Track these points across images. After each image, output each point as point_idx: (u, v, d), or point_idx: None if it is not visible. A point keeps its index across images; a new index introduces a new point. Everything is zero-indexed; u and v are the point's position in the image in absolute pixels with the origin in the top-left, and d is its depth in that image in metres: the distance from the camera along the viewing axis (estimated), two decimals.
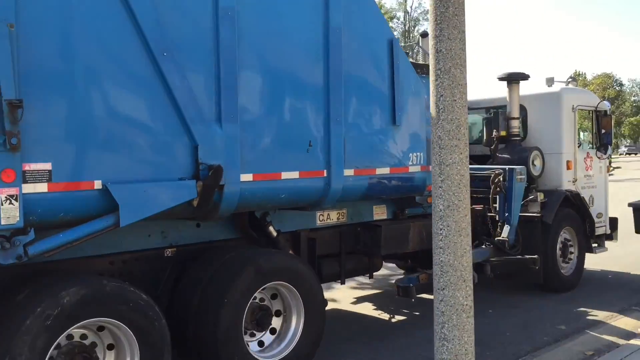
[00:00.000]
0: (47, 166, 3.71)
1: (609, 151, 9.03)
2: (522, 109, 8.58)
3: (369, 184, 5.74)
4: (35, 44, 3.67)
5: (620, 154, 63.05)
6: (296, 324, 5.12)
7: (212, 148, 4.47)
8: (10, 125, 3.47)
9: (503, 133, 8.32)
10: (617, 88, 70.67)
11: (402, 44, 6.01)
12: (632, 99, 78.72)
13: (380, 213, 6.65)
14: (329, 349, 5.82)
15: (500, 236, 7.29)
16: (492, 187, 7.29)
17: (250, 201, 4.84)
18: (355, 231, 6.38)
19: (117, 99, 4.04)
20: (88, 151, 3.92)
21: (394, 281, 6.79)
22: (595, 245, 8.82)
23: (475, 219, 7.53)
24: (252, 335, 5.00)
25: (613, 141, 10.36)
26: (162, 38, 4.21)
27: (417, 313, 7.37)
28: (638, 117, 73.21)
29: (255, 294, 4.85)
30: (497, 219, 7.41)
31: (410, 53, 7.52)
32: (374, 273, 6.94)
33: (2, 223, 3.49)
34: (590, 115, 9.01)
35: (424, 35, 8.03)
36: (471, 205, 7.51)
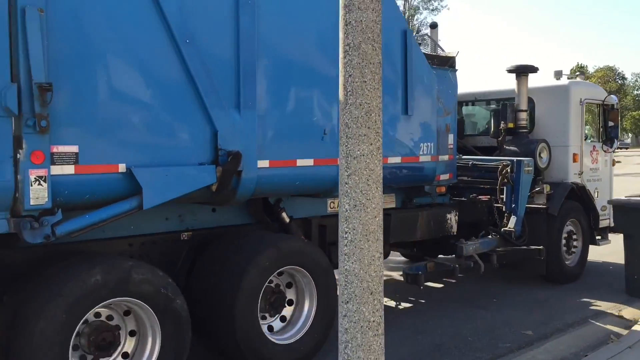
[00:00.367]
0: (74, 149, 3.81)
1: (615, 145, 9.12)
2: (530, 101, 8.66)
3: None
4: (63, 29, 3.75)
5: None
6: (309, 309, 5.24)
7: (231, 134, 4.57)
8: (40, 108, 3.57)
9: (511, 125, 8.40)
10: (619, 82, 70.55)
11: None
12: (635, 92, 78.67)
13: (389, 202, 6.75)
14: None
15: (507, 227, 7.39)
16: (500, 178, 7.39)
17: (266, 187, 4.94)
18: None
19: (141, 84, 4.13)
20: (113, 135, 4.02)
21: (401, 270, 6.88)
22: (599, 237, 8.93)
23: (482, 210, 7.66)
24: (264, 318, 5.11)
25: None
26: (185, 25, 4.30)
27: (423, 301, 7.49)
28: None
29: (270, 278, 4.96)
30: (503, 209, 7.51)
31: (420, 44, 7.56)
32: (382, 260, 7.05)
33: (31, 203, 3.60)
34: (597, 108, 9.10)
35: (433, 26, 8.08)
36: (478, 196, 7.74)
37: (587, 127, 9.43)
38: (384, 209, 6.59)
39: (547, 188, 8.03)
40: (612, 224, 9.05)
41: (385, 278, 8.57)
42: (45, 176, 3.64)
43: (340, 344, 3.22)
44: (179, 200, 4.46)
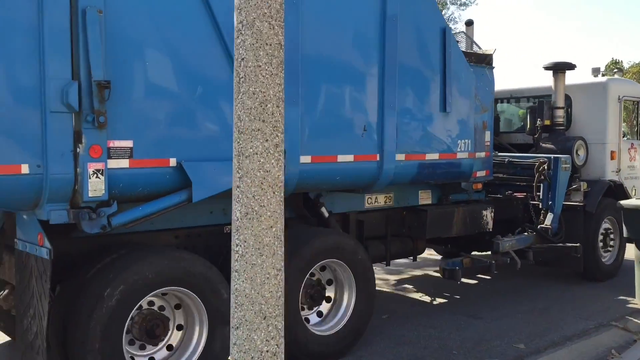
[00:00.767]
0: (129, 143, 3.99)
1: None
2: (567, 99, 8.61)
3: (419, 169, 5.92)
4: (120, 28, 3.92)
5: None
6: (348, 301, 5.35)
7: None
8: (98, 105, 3.75)
9: (547, 122, 8.37)
10: None
11: None
12: None
13: (425, 198, 6.83)
14: (378, 328, 6.03)
15: (543, 224, 7.39)
16: (537, 175, 7.39)
17: (307, 182, 5.07)
18: (401, 215, 6.58)
19: (191, 82, 4.29)
20: (165, 131, 4.19)
21: (438, 265, 6.94)
22: None
23: (518, 207, 7.67)
24: (302, 310, 5.23)
25: None
26: (232, 24, 4.41)
27: (458, 296, 7.55)
28: None
29: (312, 271, 5.09)
30: (540, 206, 7.51)
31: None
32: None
33: (90, 195, 3.78)
34: (634, 105, 9.00)
35: (469, 23, 8.09)
36: (514, 193, 7.74)
37: (624, 124, 9.34)
38: (420, 205, 6.81)
39: (584, 186, 7.99)
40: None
41: (416, 274, 8.68)
42: (102, 169, 3.82)
43: None
44: (224, 194, 4.60)
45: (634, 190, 8.81)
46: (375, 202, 6.37)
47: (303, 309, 5.19)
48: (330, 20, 5.11)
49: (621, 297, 7.37)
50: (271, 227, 2.65)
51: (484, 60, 7.03)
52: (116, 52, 3.90)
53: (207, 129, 4.39)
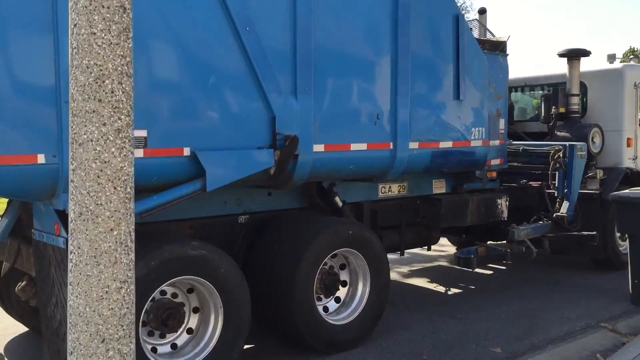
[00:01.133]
0: (143, 133, 4.00)
1: None
2: (582, 86, 8.52)
3: (432, 157, 5.89)
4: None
5: None
6: (362, 290, 5.34)
7: (288, 119, 4.70)
8: None
9: (562, 110, 8.29)
10: None
11: None
12: None
13: (439, 187, 6.79)
14: (390, 319, 5.99)
15: (559, 212, 7.32)
16: (552, 163, 7.31)
17: (321, 171, 5.06)
18: (415, 204, 6.55)
19: (204, 71, 4.29)
20: (178, 120, 4.20)
21: (453, 254, 6.91)
22: None
23: (533, 195, 7.61)
24: (319, 299, 5.24)
25: None
26: (245, 13, 4.43)
27: (473, 287, 7.51)
28: None
29: (325, 260, 5.08)
30: (555, 195, 7.44)
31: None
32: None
33: None
34: None
35: (482, 11, 8.02)
36: (529, 182, 7.68)
37: None
38: (434, 194, 6.77)
39: (600, 173, 7.90)
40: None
41: (432, 265, 8.66)
42: None
43: None
44: (237, 184, 4.62)
45: None
46: (389, 191, 6.35)
47: (320, 298, 5.19)
48: (343, 8, 5.08)
49: (614, 295, 6.92)
50: (111, 230, 2.20)
51: (498, 48, 6.97)
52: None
53: (220, 117, 4.40)
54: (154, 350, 4.21)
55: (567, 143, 7.47)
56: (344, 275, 5.38)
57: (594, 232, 7.41)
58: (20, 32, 3.55)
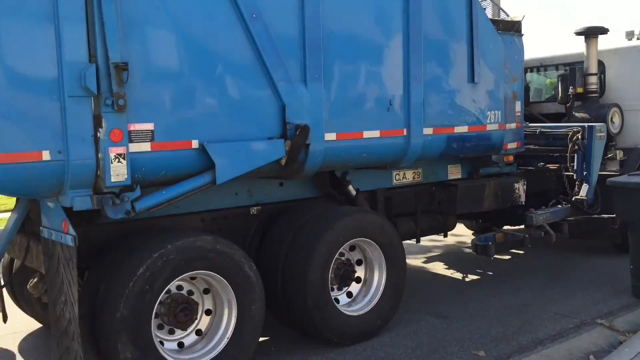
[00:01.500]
0: (150, 126, 3.91)
1: None
2: (600, 65, 8.28)
3: (448, 142, 5.74)
4: (136, 7, 3.81)
5: None
6: (378, 281, 5.24)
7: (298, 108, 4.57)
8: (117, 87, 3.66)
9: (580, 90, 8.07)
10: None
11: None
12: None
13: (455, 172, 6.65)
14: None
15: (578, 195, 7.15)
16: (570, 145, 7.13)
17: (333, 160, 4.94)
18: (430, 190, 6.42)
19: (210, 61, 4.17)
20: (186, 112, 4.09)
21: (471, 241, 6.75)
22: None
23: (551, 179, 7.43)
24: (332, 290, 5.14)
25: None
26: (252, 0, 4.29)
27: (491, 273, 7.38)
28: None
29: (341, 251, 4.99)
30: (574, 177, 7.26)
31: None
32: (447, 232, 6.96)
33: (112, 180, 3.72)
34: None
35: None
36: (546, 165, 7.50)
37: None
38: (450, 180, 6.63)
39: (620, 154, 7.71)
40: None
41: (448, 251, 8.52)
42: (124, 154, 3.75)
43: None
44: (248, 175, 4.51)
45: None
46: (403, 178, 6.22)
47: (332, 289, 5.10)
48: None
49: (616, 287, 6.48)
50: None
51: (513, 28, 6.76)
52: (133, 32, 3.80)
53: (228, 108, 4.28)
54: (161, 343, 4.15)
55: (585, 124, 7.28)
56: (360, 271, 5.27)
57: (614, 215, 7.22)
58: (19, 24, 3.44)
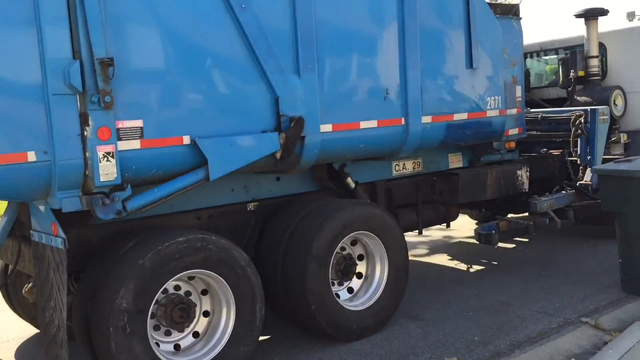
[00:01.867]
0: (139, 123, 3.79)
1: None
2: (601, 47, 8.13)
3: (447, 130, 5.62)
4: (120, 1, 3.69)
5: None
6: (380, 274, 5.13)
7: (292, 99, 4.46)
8: (103, 84, 3.55)
9: (581, 73, 7.93)
10: None
11: None
12: None
13: (456, 161, 6.53)
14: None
15: (582, 180, 7.02)
16: (573, 130, 7.00)
17: (330, 152, 4.82)
18: (431, 180, 6.30)
19: (199, 53, 4.05)
20: (175, 107, 3.98)
21: (474, 230, 6.62)
22: None
23: (555, 164, 7.30)
24: (332, 285, 5.03)
25: None
26: None
27: (495, 263, 7.26)
28: None
29: (342, 245, 4.88)
30: (578, 162, 7.13)
31: None
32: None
33: (101, 180, 3.61)
34: None
35: None
36: (549, 150, 7.37)
37: None
38: (451, 169, 6.50)
39: (624, 137, 7.59)
40: None
41: (453, 241, 8.40)
42: (112, 152, 3.63)
43: None
44: (244, 170, 4.41)
45: None
46: (403, 169, 6.10)
47: (333, 284, 4.99)
48: None
49: (605, 281, 6.11)
50: None
51: (511, 11, 6.62)
52: (118, 27, 3.68)
53: (220, 102, 4.16)
54: (157, 344, 4.04)
55: (588, 108, 7.14)
56: (361, 267, 5.16)
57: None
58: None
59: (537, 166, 7.06)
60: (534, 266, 6.86)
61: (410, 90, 5.22)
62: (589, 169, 6.99)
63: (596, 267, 6.65)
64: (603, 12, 7.97)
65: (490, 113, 6.00)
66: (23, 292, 4.58)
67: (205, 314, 4.27)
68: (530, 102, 8.30)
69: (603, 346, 4.53)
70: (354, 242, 5.12)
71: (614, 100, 7.71)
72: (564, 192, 6.97)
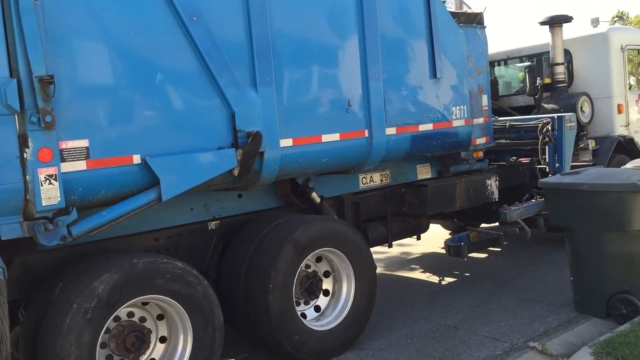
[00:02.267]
0: (84, 143, 3.61)
1: None
2: (567, 54, 8.15)
3: (413, 141, 5.52)
4: (62, 16, 3.52)
5: None
6: (347, 292, 4.98)
7: (249, 114, 4.31)
8: (43, 103, 3.36)
9: (547, 80, 7.93)
10: None
11: None
12: None
13: (424, 172, 6.43)
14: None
15: None
16: (541, 137, 6.96)
17: (291, 167, 4.68)
18: (400, 192, 6.19)
19: (149, 68, 3.88)
20: (125, 126, 3.80)
21: (443, 242, 6.51)
22: None
23: (524, 172, 7.25)
24: (298, 304, 4.87)
25: None
26: (191, 2, 4.02)
27: (468, 274, 7.17)
28: None
29: (306, 262, 4.73)
30: (547, 170, 7.09)
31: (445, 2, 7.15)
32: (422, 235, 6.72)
33: (44, 204, 3.41)
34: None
35: None
36: (518, 159, 7.32)
37: (633, 77, 8.87)
38: (420, 180, 6.40)
39: (592, 143, 7.58)
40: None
41: (427, 252, 8.29)
42: (55, 174, 3.44)
43: None
44: (202, 188, 4.24)
45: None
46: (370, 181, 5.98)
47: (298, 303, 4.83)
48: None
49: (558, 299, 5.81)
50: None
51: (475, 20, 6.58)
52: (59, 42, 3.50)
53: (171, 119, 3.98)
54: None
55: (554, 115, 7.12)
56: (327, 284, 5.01)
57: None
58: None
59: (506, 175, 7.01)
60: (491, 282, 6.63)
61: (373, 102, 5.11)
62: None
63: (554, 282, 6.39)
64: (567, 19, 8.00)
65: (456, 123, 5.93)
66: None
67: (162, 339, 4.08)
68: (498, 111, 8.28)
69: None
70: (319, 259, 4.97)
71: (581, 107, 7.71)
72: (533, 200, 6.91)
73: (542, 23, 8.04)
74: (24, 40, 3.33)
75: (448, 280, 6.95)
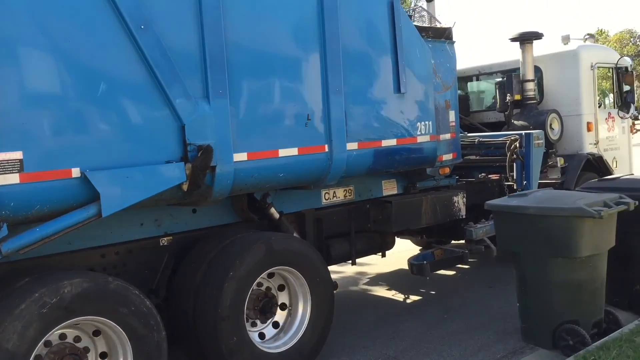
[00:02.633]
0: (18, 155, 3.40)
1: (632, 110, 8.53)
2: (537, 70, 8.13)
3: (375, 157, 5.38)
4: None
5: None
6: (303, 311, 4.81)
7: (200, 127, 4.13)
8: None
9: (517, 97, 7.89)
10: (639, 43, 68.26)
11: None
12: None
13: (390, 188, 6.31)
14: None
15: None
16: (509, 154, 6.89)
17: (246, 182, 4.51)
18: (364, 208, 6.05)
19: (91, 77, 3.69)
20: (63, 137, 3.60)
21: (407, 260, 6.36)
22: None
23: (493, 189, 7.16)
24: (254, 325, 4.70)
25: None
26: (138, 10, 3.86)
27: (433, 292, 7.03)
28: None
29: (259, 280, 4.55)
30: (515, 187, 7.01)
31: (412, 16, 7.08)
32: (387, 252, 6.58)
33: None
34: (610, 72, 8.52)
35: None
36: (487, 175, 7.23)
37: (603, 94, 8.88)
38: (384, 197, 6.27)
39: (561, 161, 7.53)
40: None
41: (395, 269, 8.12)
42: None
43: None
44: (150, 203, 4.05)
45: (614, 162, 8.33)
46: (333, 197, 5.84)
47: (255, 324, 4.65)
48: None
49: (507, 326, 5.63)
50: None
51: (443, 35, 6.50)
52: None
53: (116, 131, 3.80)
54: None
55: (522, 132, 7.06)
56: (283, 298, 4.84)
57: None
58: None
59: (474, 191, 6.91)
60: (442, 306, 6.40)
61: (333, 116, 4.97)
62: None
63: (506, 308, 6.09)
64: (537, 35, 7.98)
65: (421, 139, 5.81)
66: None
67: (103, 355, 3.86)
68: (469, 127, 8.21)
69: None
70: (271, 275, 4.79)
71: (550, 124, 7.67)
72: None
73: (513, 39, 8.02)
74: None
75: (399, 302, 6.74)
